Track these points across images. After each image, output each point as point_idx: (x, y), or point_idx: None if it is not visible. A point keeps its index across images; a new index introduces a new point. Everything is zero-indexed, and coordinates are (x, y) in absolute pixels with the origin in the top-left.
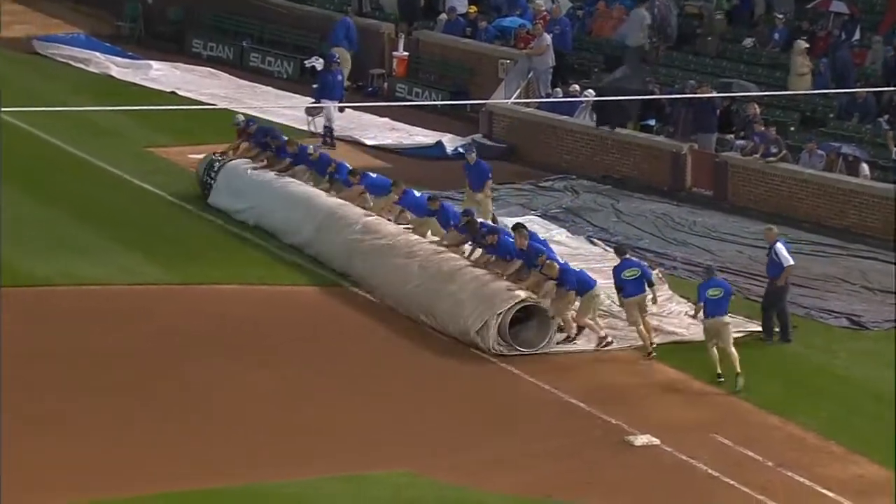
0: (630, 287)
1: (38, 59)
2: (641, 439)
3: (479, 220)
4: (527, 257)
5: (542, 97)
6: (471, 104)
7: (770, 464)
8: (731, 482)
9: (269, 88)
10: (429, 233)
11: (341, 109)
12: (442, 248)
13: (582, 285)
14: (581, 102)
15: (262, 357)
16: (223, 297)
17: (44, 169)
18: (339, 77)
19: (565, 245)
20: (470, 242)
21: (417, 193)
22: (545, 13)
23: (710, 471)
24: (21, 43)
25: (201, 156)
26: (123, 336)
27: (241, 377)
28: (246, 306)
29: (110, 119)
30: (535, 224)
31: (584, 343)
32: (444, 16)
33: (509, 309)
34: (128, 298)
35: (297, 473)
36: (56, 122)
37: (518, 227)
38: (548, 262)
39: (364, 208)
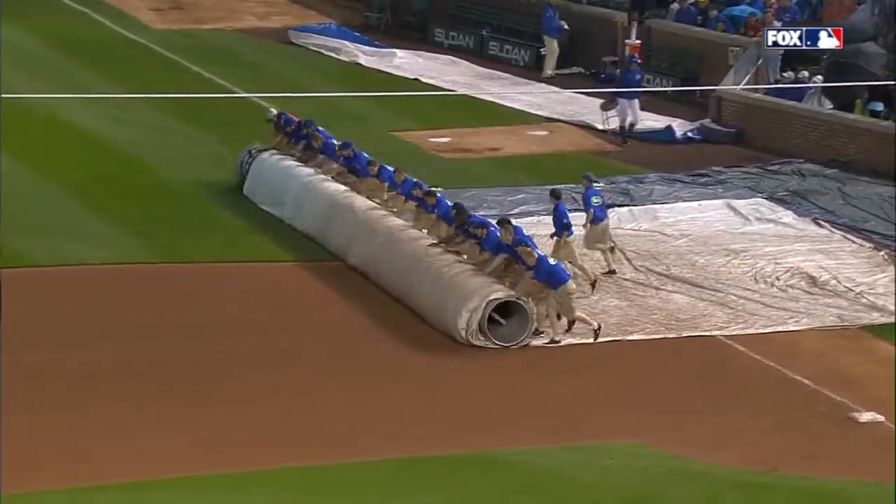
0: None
1: (292, 48)
2: (866, 416)
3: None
4: (512, 252)
5: (770, 83)
6: (700, 90)
7: None
8: None
9: (507, 75)
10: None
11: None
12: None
13: (553, 279)
14: (810, 88)
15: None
16: None
17: None
18: (638, 76)
19: (792, 227)
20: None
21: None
22: (775, 1)
23: None
24: (278, 33)
25: (445, 139)
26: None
27: (464, 348)
28: None
29: (357, 104)
30: (761, 206)
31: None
32: (675, 5)
33: (488, 304)
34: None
35: (529, 442)
36: (308, 108)
37: (503, 221)
38: (525, 249)
39: (375, 200)
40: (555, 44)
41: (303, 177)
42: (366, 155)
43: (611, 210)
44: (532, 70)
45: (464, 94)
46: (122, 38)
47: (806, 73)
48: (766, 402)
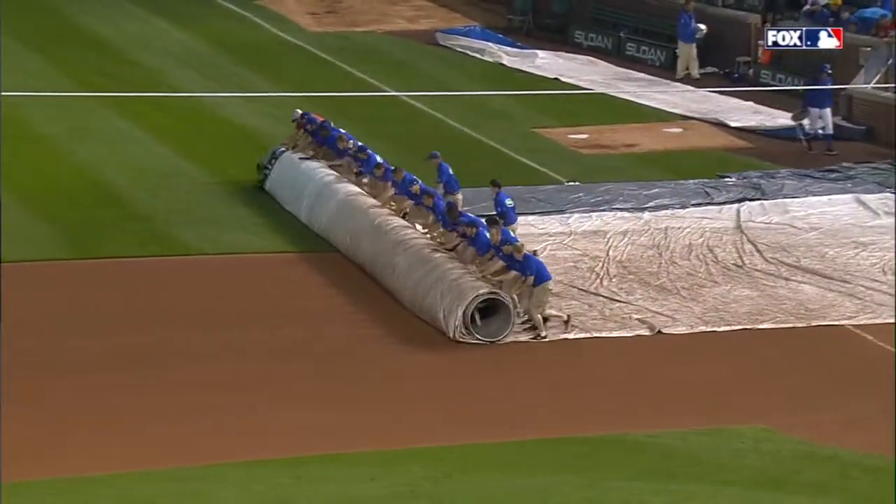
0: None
1: (440, 50)
2: None
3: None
4: (498, 251)
5: None
6: (831, 89)
7: None
8: None
9: (643, 75)
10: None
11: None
12: (429, 241)
13: (536, 276)
14: None
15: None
16: None
17: (445, 149)
18: (829, 84)
19: None
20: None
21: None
22: None
23: None
24: (426, 35)
25: (584, 136)
26: None
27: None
28: None
29: (501, 103)
30: (890, 201)
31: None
32: (807, 7)
33: (473, 300)
34: None
35: (664, 425)
36: (455, 107)
37: (492, 221)
38: (514, 245)
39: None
40: (690, 48)
41: (319, 177)
42: (377, 158)
43: (742, 204)
44: (668, 70)
45: (602, 93)
46: (280, 41)
47: None
48: (892, 389)
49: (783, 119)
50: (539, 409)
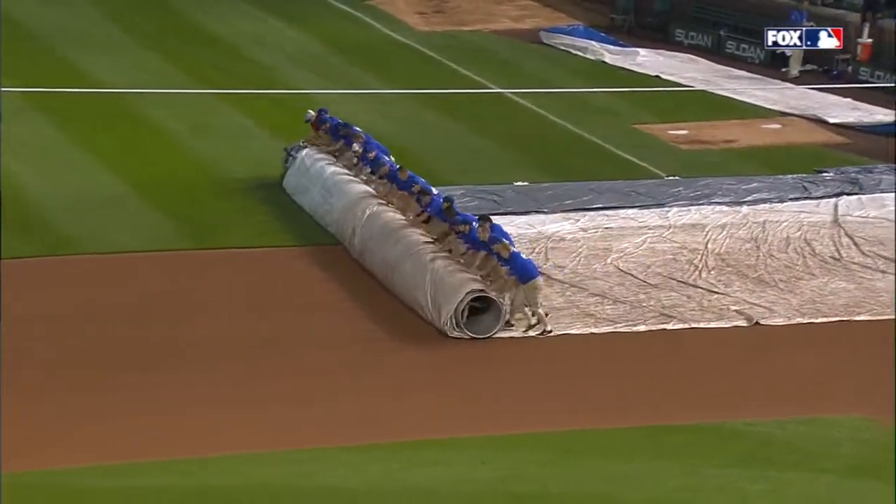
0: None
1: (543, 49)
2: None
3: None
4: (488, 248)
5: None
6: None
7: None
8: None
9: (742, 73)
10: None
11: None
12: (428, 239)
13: (522, 273)
14: None
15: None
16: None
17: (549, 144)
18: None
19: None
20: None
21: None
22: None
23: None
24: (531, 34)
25: (683, 132)
26: None
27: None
28: None
29: (603, 100)
30: None
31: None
32: None
33: (465, 297)
34: None
35: (765, 415)
36: (558, 103)
37: (483, 218)
38: (502, 243)
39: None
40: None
41: (331, 175)
42: (387, 158)
43: (839, 198)
44: (767, 67)
45: (702, 90)
46: (390, 40)
47: None
48: None
49: (881, 115)
50: (638, 398)
